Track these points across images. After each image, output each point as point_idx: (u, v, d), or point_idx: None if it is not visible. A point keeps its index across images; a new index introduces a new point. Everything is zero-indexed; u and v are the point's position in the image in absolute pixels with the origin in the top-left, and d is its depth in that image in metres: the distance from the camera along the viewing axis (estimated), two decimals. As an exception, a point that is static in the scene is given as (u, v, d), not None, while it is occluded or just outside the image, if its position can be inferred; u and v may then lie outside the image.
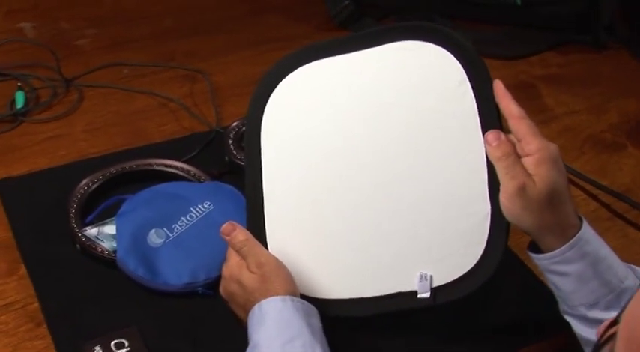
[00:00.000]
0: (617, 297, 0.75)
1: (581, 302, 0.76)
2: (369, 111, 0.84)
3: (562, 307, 0.80)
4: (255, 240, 0.83)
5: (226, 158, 1.08)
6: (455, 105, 0.80)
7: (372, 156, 0.83)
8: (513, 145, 0.76)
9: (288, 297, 0.78)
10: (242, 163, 1.06)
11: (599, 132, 1.23)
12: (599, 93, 1.32)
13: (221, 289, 0.84)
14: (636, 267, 0.78)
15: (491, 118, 0.79)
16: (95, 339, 0.83)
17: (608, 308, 0.75)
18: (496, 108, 0.78)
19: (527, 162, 0.75)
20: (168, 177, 1.03)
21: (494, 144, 0.76)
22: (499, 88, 0.79)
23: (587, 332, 0.77)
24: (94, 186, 1.00)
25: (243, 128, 1.11)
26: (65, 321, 0.85)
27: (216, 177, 1.05)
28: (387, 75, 0.83)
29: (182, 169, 1.04)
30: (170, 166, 1.04)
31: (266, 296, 0.78)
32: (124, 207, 0.95)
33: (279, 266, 0.81)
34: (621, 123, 1.26)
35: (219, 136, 1.14)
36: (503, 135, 0.77)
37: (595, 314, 0.76)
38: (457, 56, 0.80)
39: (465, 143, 0.80)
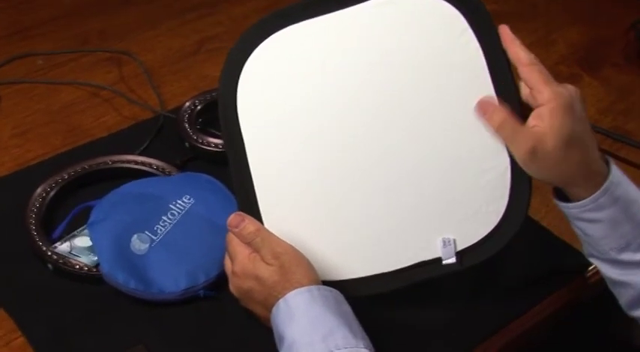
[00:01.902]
0: None
1: (611, 247, 0.77)
2: (362, 74, 0.80)
3: (589, 251, 0.80)
4: (267, 229, 0.79)
5: (186, 144, 1.02)
6: (459, 57, 0.78)
7: (373, 121, 0.80)
8: (506, 110, 0.75)
9: (314, 287, 0.75)
10: (205, 147, 1.02)
11: (553, 65, 1.25)
12: (540, 27, 1.35)
13: (232, 288, 0.80)
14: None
15: (499, 66, 0.77)
16: (102, 366, 0.77)
17: (638, 249, 0.76)
18: (504, 55, 0.77)
19: (541, 112, 0.74)
20: (130, 175, 0.96)
21: (487, 115, 0.76)
22: (505, 33, 0.77)
23: (616, 274, 0.79)
24: (50, 196, 0.92)
25: (198, 107, 1.06)
26: (61, 352, 0.79)
27: (179, 166, 1.00)
28: (379, 33, 0.79)
29: (143, 163, 0.98)
30: (129, 162, 0.98)
31: (289, 289, 0.75)
32: (94, 215, 0.88)
33: (297, 254, 0.78)
34: (571, 53, 1.29)
35: (169, 121, 1.08)
36: (494, 101, 0.76)
37: (626, 256, 0.77)
38: (454, 4, 0.78)
39: (475, 95, 0.78)
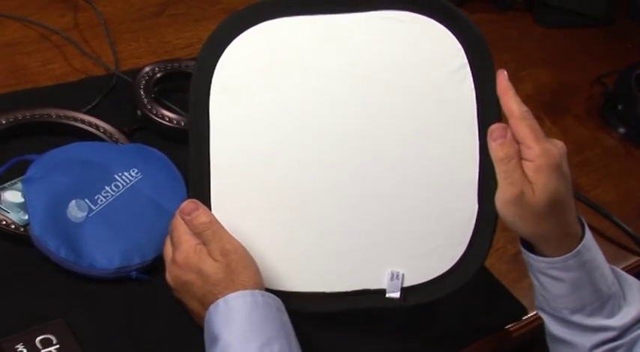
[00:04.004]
0: (603, 305, 0.79)
1: (566, 307, 0.80)
2: (346, 83, 0.80)
3: (540, 304, 0.83)
4: (220, 224, 0.78)
5: (138, 112, 1.01)
6: (450, 91, 0.79)
7: (345, 136, 0.80)
8: (518, 146, 0.76)
9: (258, 292, 0.75)
10: (158, 119, 1.00)
11: (517, 104, 1.29)
12: (511, 60, 1.38)
13: (170, 277, 0.79)
14: (618, 269, 0.83)
15: (490, 111, 0.78)
16: (15, 336, 0.75)
17: (592, 314, 0.80)
18: (497, 101, 0.78)
19: (527, 168, 0.75)
20: (73, 133, 0.95)
21: (499, 141, 0.76)
22: (502, 80, 0.78)
23: (562, 332, 0.82)
24: (-16, 141, 0.90)
25: (157, 75, 1.05)
26: (-27, 314, 0.77)
27: (127, 134, 0.98)
28: (373, 46, 0.80)
29: (89, 124, 0.96)
30: (75, 120, 0.95)
31: (232, 290, 0.75)
32: (32, 171, 0.86)
33: (246, 255, 0.78)
34: (536, 95, 1.33)
35: (122, 83, 1.06)
36: (509, 133, 0.76)
37: (577, 319, 0.80)
38: (459, 37, 0.78)
39: (458, 133, 0.79)
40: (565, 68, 1.41)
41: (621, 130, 1.30)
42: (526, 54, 1.42)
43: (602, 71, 1.39)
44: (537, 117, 1.26)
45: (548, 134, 1.23)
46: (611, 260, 1.00)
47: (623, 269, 1.05)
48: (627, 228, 1.09)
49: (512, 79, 1.37)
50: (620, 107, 1.30)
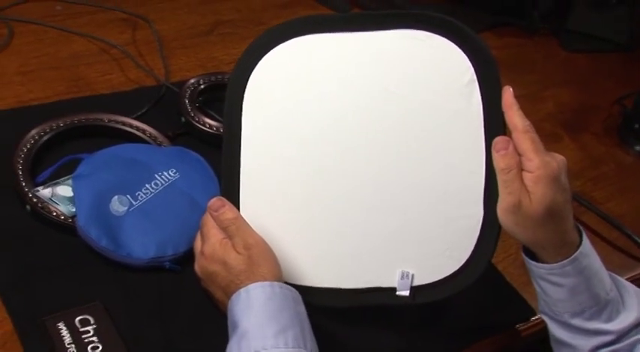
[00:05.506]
0: (601, 309, 0.77)
1: (566, 310, 0.78)
2: (366, 96, 0.80)
3: (543, 308, 0.81)
4: (244, 220, 0.78)
5: (183, 119, 1.01)
6: (459, 105, 0.78)
7: (364, 144, 0.80)
8: (519, 157, 0.75)
9: (276, 284, 0.75)
10: (199, 125, 1.01)
11: (538, 122, 1.24)
12: (535, 81, 1.36)
13: (198, 267, 0.79)
14: (618, 277, 0.81)
15: (495, 124, 0.77)
16: (57, 315, 0.76)
17: (591, 318, 0.77)
18: (502, 115, 0.77)
19: (526, 178, 0.74)
20: (122, 136, 0.96)
21: (501, 152, 0.75)
22: (507, 96, 0.77)
23: (563, 335, 0.80)
24: (43, 140, 0.91)
25: (201, 86, 1.06)
26: (21, 294, 0.78)
27: (170, 138, 0.99)
28: (391, 61, 0.79)
29: (137, 128, 0.97)
30: (124, 124, 0.97)
31: (253, 280, 0.74)
32: (81, 169, 0.87)
33: (267, 249, 0.77)
34: (557, 113, 1.30)
35: (170, 93, 1.07)
36: (511, 146, 0.75)
37: (577, 322, 0.78)
38: (469, 54, 0.78)
39: (465, 145, 0.78)
40: (586, 89, 1.38)
41: (638, 148, 1.26)
42: (550, 75, 1.39)
43: (622, 94, 1.35)
44: (557, 134, 1.26)
45: (566, 150, 1.23)
46: (620, 268, 0.98)
47: (630, 278, 1.03)
48: (636, 237, 1.06)
49: (535, 97, 1.36)
50: (637, 126, 1.26)
